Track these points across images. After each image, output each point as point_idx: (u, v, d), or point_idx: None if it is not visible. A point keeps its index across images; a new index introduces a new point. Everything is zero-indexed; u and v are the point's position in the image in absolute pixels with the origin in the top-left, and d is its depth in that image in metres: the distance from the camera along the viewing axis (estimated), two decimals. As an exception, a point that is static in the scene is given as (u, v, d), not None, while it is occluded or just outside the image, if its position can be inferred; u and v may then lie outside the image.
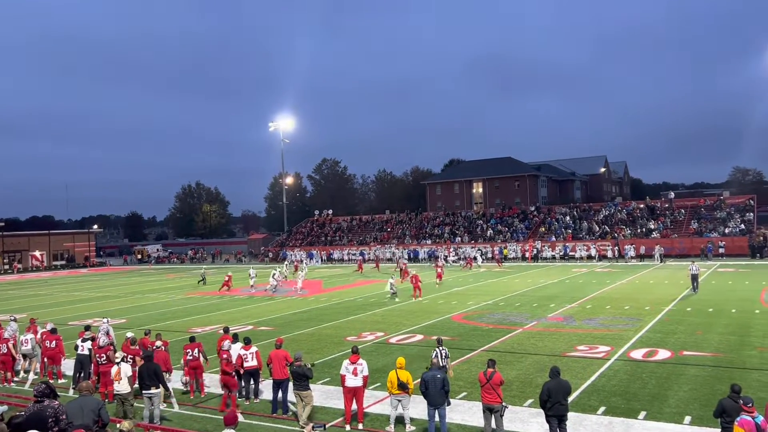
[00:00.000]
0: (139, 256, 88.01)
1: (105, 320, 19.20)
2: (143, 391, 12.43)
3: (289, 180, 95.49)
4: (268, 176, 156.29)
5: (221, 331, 16.89)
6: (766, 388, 13.14)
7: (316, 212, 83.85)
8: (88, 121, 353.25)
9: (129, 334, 16.66)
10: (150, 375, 12.42)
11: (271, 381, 13.27)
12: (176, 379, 15.17)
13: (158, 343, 15.06)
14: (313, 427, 7.56)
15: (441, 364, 13.10)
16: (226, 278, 39.50)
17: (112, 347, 15.38)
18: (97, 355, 14.96)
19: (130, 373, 12.94)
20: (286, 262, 51.64)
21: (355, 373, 12.02)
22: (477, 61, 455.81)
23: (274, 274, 38.59)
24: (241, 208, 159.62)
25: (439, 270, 39.11)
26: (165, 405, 13.34)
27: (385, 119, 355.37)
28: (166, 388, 13.35)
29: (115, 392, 12.92)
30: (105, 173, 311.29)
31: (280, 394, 13.07)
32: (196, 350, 14.78)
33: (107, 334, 17.24)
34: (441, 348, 13.78)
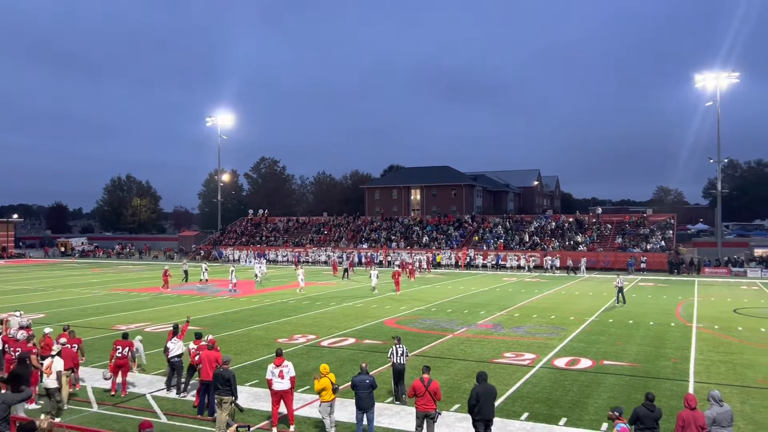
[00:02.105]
0: (63, 249, 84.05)
1: (18, 313, 18.25)
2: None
3: (225, 177, 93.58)
4: (203, 172, 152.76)
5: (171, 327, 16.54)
6: (678, 397, 13.83)
7: (251, 211, 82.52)
8: (10, 104, 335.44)
9: (47, 330, 15.95)
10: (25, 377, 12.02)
11: (200, 382, 13.00)
12: (98, 377, 14.61)
13: (62, 340, 14.29)
14: (237, 428, 7.43)
15: (400, 362, 13.52)
16: (165, 272, 38.88)
17: (30, 342, 14.64)
18: (11, 348, 14.20)
19: (60, 368, 12.66)
20: (255, 263, 50.44)
21: (281, 376, 11.88)
22: (417, 68, 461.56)
23: (232, 271, 38.53)
24: (174, 204, 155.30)
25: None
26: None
27: (326, 121, 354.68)
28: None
29: (44, 386, 12.64)
30: (28, 160, 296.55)
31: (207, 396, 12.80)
32: (126, 348, 14.27)
33: (26, 328, 16.36)
34: (399, 345, 13.78)
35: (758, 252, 55.88)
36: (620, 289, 30.67)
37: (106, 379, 14.39)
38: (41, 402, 13.39)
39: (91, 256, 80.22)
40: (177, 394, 14.14)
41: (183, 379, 14.29)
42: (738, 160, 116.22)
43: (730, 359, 18.23)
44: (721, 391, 10.93)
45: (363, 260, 59.60)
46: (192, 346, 14.13)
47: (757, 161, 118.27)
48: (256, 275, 42.55)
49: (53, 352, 13.22)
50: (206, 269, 43.71)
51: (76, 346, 14.54)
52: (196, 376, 13.83)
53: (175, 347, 14.26)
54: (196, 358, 13.54)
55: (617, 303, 30.30)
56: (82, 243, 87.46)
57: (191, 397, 13.81)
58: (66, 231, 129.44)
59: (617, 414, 9.14)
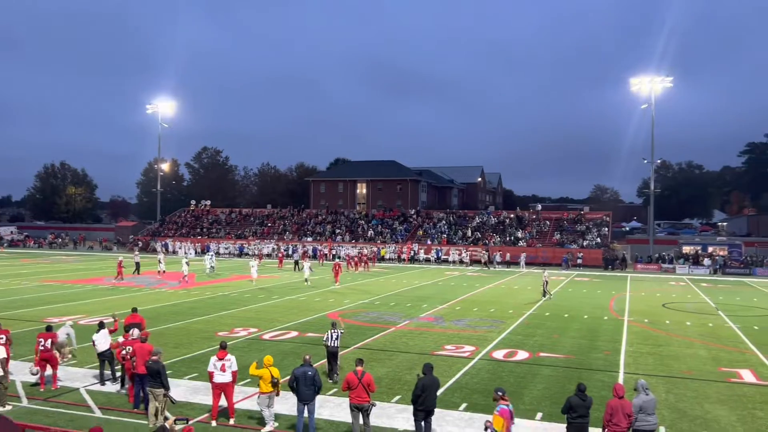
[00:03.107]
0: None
1: None
2: None
3: (166, 166, 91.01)
4: (142, 161, 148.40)
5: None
6: (608, 387, 14.41)
7: (193, 202, 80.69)
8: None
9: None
10: None
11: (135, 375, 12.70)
12: (27, 371, 14.09)
13: None
14: (175, 421, 7.34)
15: (333, 345, 14.78)
16: (119, 263, 37.98)
17: None
18: None
19: (3, 355, 12.48)
20: (210, 254, 49.40)
21: (223, 369, 11.78)
22: (364, 62, 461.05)
23: (186, 263, 38.03)
24: (111, 193, 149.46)
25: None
26: None
27: (271, 113, 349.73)
28: None
29: None
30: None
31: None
32: (49, 341, 13.78)
33: None
34: (334, 330, 14.85)
35: (686, 249, 58.64)
36: (545, 283, 31.88)
37: (33, 374, 13.90)
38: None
39: (21, 245, 76.76)
40: (112, 383, 13.90)
41: (116, 369, 14.12)
42: (670, 161, 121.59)
43: (658, 351, 19.13)
44: (649, 381, 11.49)
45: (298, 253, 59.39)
46: (120, 339, 13.75)
47: (687, 163, 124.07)
48: (207, 268, 42.52)
49: None
50: (162, 260, 42.76)
51: (4, 337, 13.93)
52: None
53: (103, 341, 13.91)
54: (123, 352, 13.14)
55: (544, 297, 31.32)
56: (12, 232, 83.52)
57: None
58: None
59: (500, 394, 9.67)
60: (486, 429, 9.41)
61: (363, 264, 48.61)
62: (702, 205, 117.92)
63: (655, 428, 10.01)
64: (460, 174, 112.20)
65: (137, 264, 41.59)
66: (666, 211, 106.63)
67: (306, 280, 36.22)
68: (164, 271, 40.39)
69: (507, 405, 9.42)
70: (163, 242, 66.92)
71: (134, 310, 16.65)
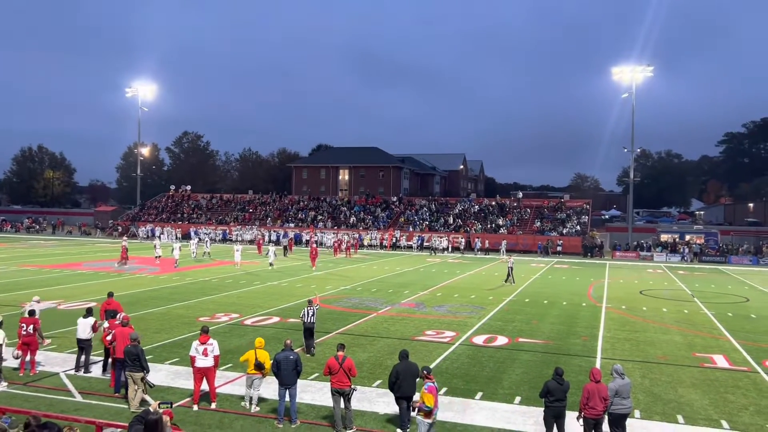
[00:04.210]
0: (-35, 222, 78.77)
1: None
2: None
3: (146, 151, 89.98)
4: (121, 145, 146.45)
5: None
6: (585, 372, 14.65)
7: (173, 187, 79.97)
8: None
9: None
10: None
11: (115, 359, 12.67)
12: (6, 355, 13.95)
13: None
14: (159, 404, 7.37)
15: (310, 321, 15.99)
16: (123, 249, 38.04)
17: None
18: None
19: (0, 341, 12.66)
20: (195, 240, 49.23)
21: (205, 354, 11.81)
22: (346, 48, 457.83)
23: (178, 247, 38.64)
24: (90, 177, 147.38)
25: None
26: None
27: (253, 98, 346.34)
28: None
29: None
30: None
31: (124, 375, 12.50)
32: (31, 326, 13.68)
33: None
34: (310, 307, 16.16)
35: (664, 237, 59.58)
36: (510, 269, 32.32)
37: (15, 358, 13.80)
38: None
39: (-3, 230, 75.62)
40: (76, 371, 13.88)
41: (89, 359, 14.07)
42: (650, 150, 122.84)
43: (634, 337, 19.49)
44: (625, 366, 11.73)
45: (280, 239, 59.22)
46: (105, 325, 13.70)
47: (667, 152, 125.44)
48: (192, 253, 42.71)
49: None
50: (158, 246, 41.87)
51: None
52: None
53: (81, 329, 13.84)
54: (108, 338, 13.11)
55: (505, 282, 31.87)
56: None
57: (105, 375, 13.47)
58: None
59: (425, 373, 10.14)
60: (415, 409, 9.89)
61: (345, 250, 48.76)
62: (680, 193, 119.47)
63: (630, 411, 10.25)
64: (443, 161, 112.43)
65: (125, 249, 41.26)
66: (645, 200, 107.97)
67: (270, 264, 36.99)
68: (160, 257, 39.91)
69: (433, 382, 9.95)
70: (150, 228, 66.01)
71: (110, 294, 16.48)
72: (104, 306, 15.43)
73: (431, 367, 15.01)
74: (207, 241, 47.45)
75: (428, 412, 9.67)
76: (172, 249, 38.60)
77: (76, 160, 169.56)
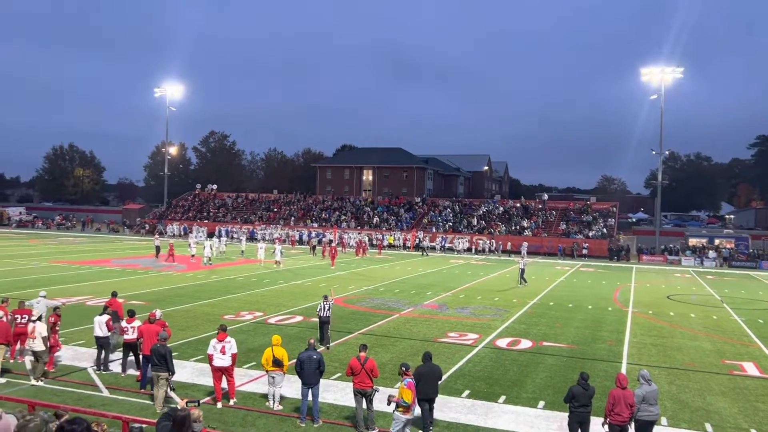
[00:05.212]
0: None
1: None
2: None
3: (173, 150, 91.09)
4: (149, 144, 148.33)
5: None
6: (611, 377, 14.49)
7: (199, 186, 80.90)
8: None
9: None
10: None
11: (141, 356, 12.86)
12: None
13: None
14: (187, 403, 7.45)
15: (325, 315, 16.74)
16: (170, 246, 39.54)
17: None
18: None
19: (45, 333, 12.89)
20: (222, 239, 50.01)
21: (223, 352, 11.89)
22: (371, 48, 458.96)
23: (210, 245, 39.45)
24: (118, 176, 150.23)
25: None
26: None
27: (278, 98, 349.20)
28: None
29: (31, 350, 12.94)
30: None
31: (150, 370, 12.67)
32: (26, 317, 13.93)
33: None
34: (326, 301, 16.91)
35: (693, 242, 58.48)
36: (522, 271, 32.08)
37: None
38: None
39: (29, 226, 77.29)
40: (96, 369, 13.99)
41: (108, 356, 14.20)
42: (679, 152, 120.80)
43: (661, 342, 19.17)
44: (651, 372, 11.54)
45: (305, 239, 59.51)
46: (124, 324, 13.80)
47: (696, 154, 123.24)
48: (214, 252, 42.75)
49: (34, 317, 13.37)
50: (193, 244, 42.71)
51: (5, 317, 14.01)
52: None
53: (98, 326, 13.97)
54: (125, 336, 13.36)
55: (519, 284, 31.58)
56: (20, 213, 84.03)
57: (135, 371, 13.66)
58: (2, 200, 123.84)
59: (404, 369, 10.20)
60: (389, 403, 10.00)
61: (357, 250, 49.42)
62: (709, 197, 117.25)
63: (657, 418, 10.08)
64: (467, 162, 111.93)
65: (157, 248, 41.92)
66: (673, 203, 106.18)
67: (277, 263, 37.40)
68: (194, 255, 40.35)
69: (411, 379, 10.10)
70: (184, 227, 66.67)
71: (113, 294, 16.65)
72: (107, 305, 15.42)
73: (454, 369, 15.00)
74: (243, 240, 48.75)
75: (407, 408, 9.76)
76: (203, 247, 39.09)
77: (105, 158, 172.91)
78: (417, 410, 10.35)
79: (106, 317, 14.13)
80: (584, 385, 9.96)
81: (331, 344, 16.84)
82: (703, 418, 12.20)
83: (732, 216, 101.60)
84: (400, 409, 9.80)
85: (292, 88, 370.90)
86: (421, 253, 53.64)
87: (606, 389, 11.74)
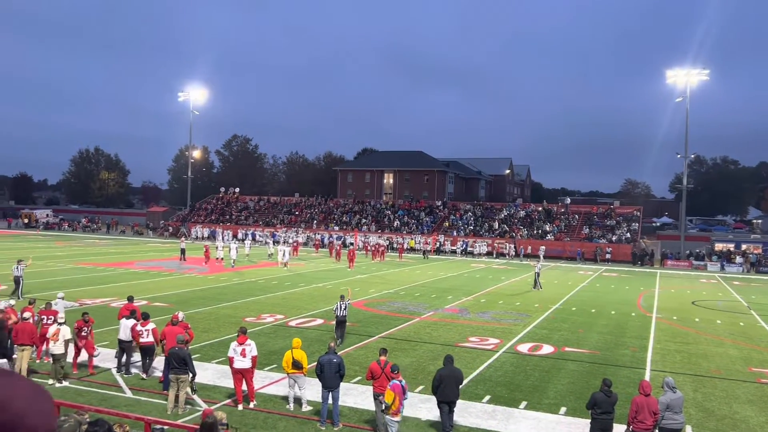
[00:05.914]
0: (26, 221, 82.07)
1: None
2: None
3: (197, 153, 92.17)
4: (173, 147, 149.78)
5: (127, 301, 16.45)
6: (634, 384, 14.28)
7: (222, 189, 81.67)
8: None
9: (6, 303, 15.70)
10: None
11: (164, 358, 12.99)
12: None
13: (26, 314, 13.98)
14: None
15: (342, 314, 17.32)
16: (206, 249, 41.71)
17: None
18: None
19: (69, 336, 13.15)
20: (247, 241, 50.67)
21: (243, 354, 11.95)
22: (392, 52, 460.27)
23: (235, 248, 40.01)
24: (142, 179, 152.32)
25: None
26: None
27: (300, 102, 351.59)
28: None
29: (50, 352, 13.24)
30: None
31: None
32: (51, 317, 14.19)
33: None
34: (342, 302, 17.54)
35: (718, 247, 57.50)
36: (537, 275, 31.99)
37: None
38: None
39: (56, 228, 78.63)
40: (117, 370, 14.06)
41: (132, 359, 14.30)
42: (704, 156, 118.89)
43: (686, 349, 18.86)
44: (676, 379, 11.36)
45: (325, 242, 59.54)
46: (139, 327, 13.78)
47: (722, 158, 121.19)
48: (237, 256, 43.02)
49: (60, 320, 13.68)
50: (220, 247, 42.34)
51: (53, 317, 14.29)
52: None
53: (122, 329, 14.04)
54: (141, 339, 13.51)
55: (534, 288, 31.45)
56: (47, 215, 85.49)
57: (159, 372, 13.80)
58: (30, 202, 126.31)
59: (392, 371, 10.37)
60: (383, 404, 10.10)
61: (373, 254, 49.16)
62: (736, 201, 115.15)
63: (682, 427, 9.92)
64: (488, 166, 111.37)
65: (182, 250, 42.31)
66: (698, 207, 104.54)
67: (285, 264, 37.83)
68: (220, 258, 40.48)
69: (399, 381, 10.13)
70: (211, 230, 67.26)
71: (130, 299, 16.73)
72: (123, 310, 15.55)
73: (475, 374, 14.92)
74: (270, 243, 49.37)
75: (395, 411, 9.89)
76: (229, 249, 39.52)
77: (130, 161, 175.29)
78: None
79: (132, 322, 14.21)
80: (607, 391, 9.85)
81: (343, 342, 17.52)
82: (730, 427, 11.97)
83: (760, 221, 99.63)
84: (389, 412, 9.93)
85: (313, 92, 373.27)
86: (422, 256, 53.57)
87: (629, 396, 11.59)
